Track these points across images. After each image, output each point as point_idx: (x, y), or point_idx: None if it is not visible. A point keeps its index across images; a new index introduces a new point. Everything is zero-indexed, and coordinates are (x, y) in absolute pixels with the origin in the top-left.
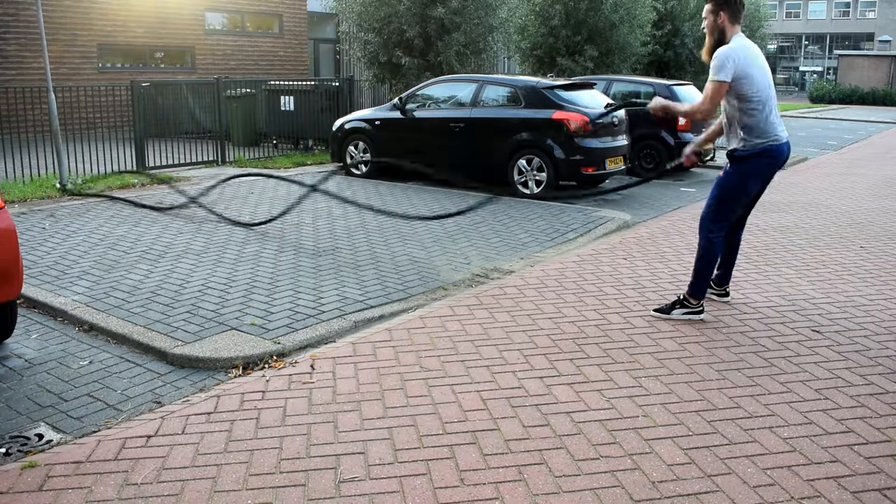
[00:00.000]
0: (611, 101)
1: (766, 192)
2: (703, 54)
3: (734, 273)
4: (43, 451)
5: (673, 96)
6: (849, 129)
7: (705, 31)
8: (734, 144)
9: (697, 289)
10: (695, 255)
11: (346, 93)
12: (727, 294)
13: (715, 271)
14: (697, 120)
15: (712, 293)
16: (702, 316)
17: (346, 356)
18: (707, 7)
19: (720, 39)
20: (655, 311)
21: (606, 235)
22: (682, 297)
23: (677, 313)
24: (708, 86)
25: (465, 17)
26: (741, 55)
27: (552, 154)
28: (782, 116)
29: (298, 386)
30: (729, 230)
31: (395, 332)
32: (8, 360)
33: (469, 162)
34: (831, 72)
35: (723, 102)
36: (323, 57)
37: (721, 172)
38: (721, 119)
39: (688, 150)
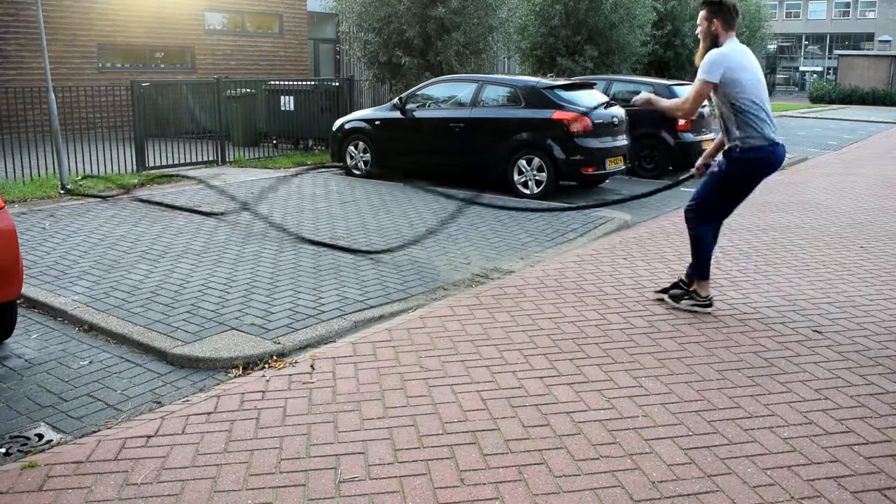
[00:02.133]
0: (611, 101)
1: (767, 192)
2: (697, 59)
3: (735, 273)
4: (43, 451)
5: (672, 96)
6: (849, 129)
7: (699, 35)
8: (730, 144)
9: (700, 271)
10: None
11: (346, 93)
12: (711, 302)
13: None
14: (679, 117)
15: (697, 304)
16: (709, 310)
17: (346, 356)
18: (701, 14)
19: (713, 45)
20: (661, 291)
21: (606, 235)
22: (690, 286)
23: (686, 304)
24: (694, 84)
25: (465, 17)
26: (731, 59)
27: (552, 154)
28: (782, 116)
29: (298, 386)
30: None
31: (395, 332)
32: (8, 360)
33: (469, 162)
34: (831, 72)
35: (718, 106)
36: (323, 57)
37: (715, 168)
38: (721, 132)
39: (699, 162)
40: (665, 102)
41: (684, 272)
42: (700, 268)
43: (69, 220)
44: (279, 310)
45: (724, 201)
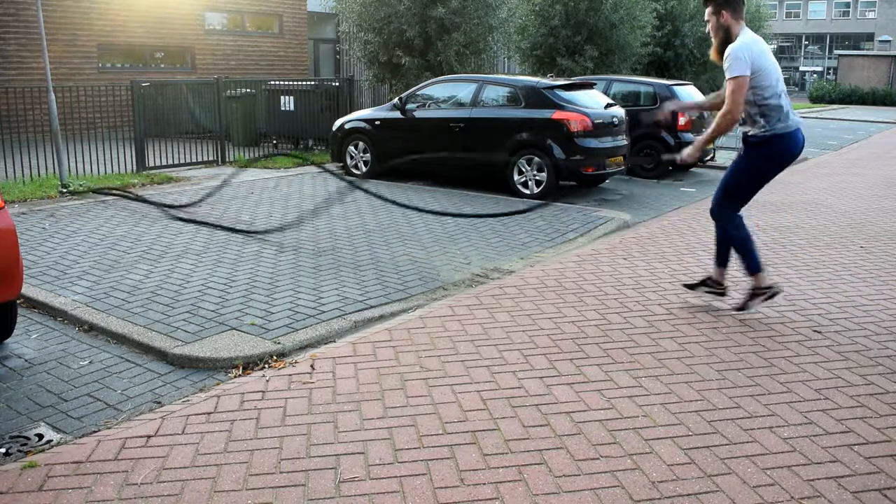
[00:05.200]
0: (611, 101)
1: (767, 192)
2: (712, 54)
3: (735, 273)
4: (43, 451)
5: (673, 96)
6: (849, 129)
7: (710, 32)
8: (751, 131)
9: (751, 265)
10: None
11: (346, 93)
12: (725, 291)
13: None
14: (731, 122)
15: (711, 291)
16: (760, 306)
17: (346, 356)
18: (707, 10)
19: (726, 38)
20: (689, 288)
21: (606, 235)
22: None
23: (755, 303)
24: (728, 85)
25: (465, 17)
26: (753, 49)
27: (552, 154)
28: None
29: (298, 386)
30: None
31: (395, 332)
32: (8, 360)
33: (469, 162)
34: (831, 72)
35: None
36: (323, 57)
37: (735, 157)
38: (710, 97)
39: (691, 152)
40: (713, 127)
41: (713, 267)
42: (747, 263)
43: (69, 220)
44: (279, 310)
45: (747, 187)
